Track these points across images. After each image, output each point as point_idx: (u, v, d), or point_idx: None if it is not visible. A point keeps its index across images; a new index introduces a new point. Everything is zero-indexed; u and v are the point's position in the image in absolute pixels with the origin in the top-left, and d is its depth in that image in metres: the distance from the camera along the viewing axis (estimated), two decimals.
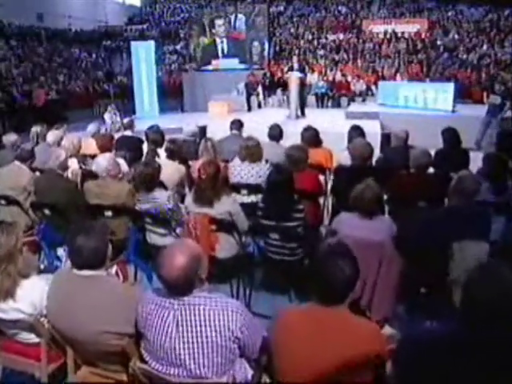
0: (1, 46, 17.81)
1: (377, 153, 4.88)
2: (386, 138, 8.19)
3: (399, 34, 20.70)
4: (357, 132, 4.48)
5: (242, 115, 12.03)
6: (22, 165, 3.88)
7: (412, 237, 2.66)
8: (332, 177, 4.57)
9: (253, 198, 3.86)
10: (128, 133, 5.57)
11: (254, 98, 13.16)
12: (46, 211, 3.40)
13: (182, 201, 4.40)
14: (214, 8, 17.38)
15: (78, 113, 15.55)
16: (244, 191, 3.82)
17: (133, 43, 13.41)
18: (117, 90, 17.62)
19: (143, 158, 4.66)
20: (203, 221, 2.96)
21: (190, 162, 4.94)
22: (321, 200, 4.09)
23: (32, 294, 1.94)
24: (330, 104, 13.35)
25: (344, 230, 2.67)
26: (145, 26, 25.78)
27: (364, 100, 13.56)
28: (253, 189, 3.80)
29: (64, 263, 2.86)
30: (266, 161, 4.01)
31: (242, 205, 3.44)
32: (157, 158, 4.27)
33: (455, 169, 4.28)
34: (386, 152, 4.41)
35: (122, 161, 4.40)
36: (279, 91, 13.80)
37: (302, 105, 10.07)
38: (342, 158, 4.54)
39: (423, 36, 20.70)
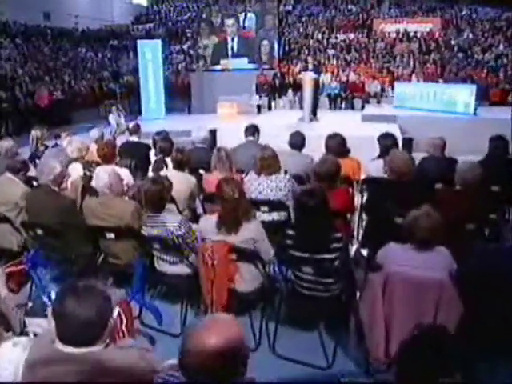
0: (6, 45, 17.48)
1: None
2: (407, 143, 7.71)
3: (411, 34, 20.18)
4: (389, 140, 4.01)
5: (252, 117, 11.64)
6: (13, 177, 3.45)
7: (476, 274, 2.18)
8: (360, 189, 4.14)
9: (275, 216, 3.41)
10: (134, 138, 5.12)
11: (264, 100, 12.72)
12: (39, 232, 2.97)
13: (195, 216, 3.99)
14: (223, 7, 16.90)
15: (83, 113, 15.21)
16: (264, 208, 3.36)
17: (139, 42, 13.00)
18: (123, 90, 17.30)
19: (150, 168, 4.21)
20: (222, 250, 2.51)
21: (202, 171, 4.50)
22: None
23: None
24: (343, 105, 12.84)
25: (392, 266, 2.21)
26: (151, 25, 25.41)
27: (379, 102, 13.04)
28: (274, 205, 3.35)
29: None
30: (285, 172, 3.56)
31: (263, 223, 3.00)
32: (165, 170, 3.81)
33: (501, 183, 3.81)
34: (421, 163, 3.92)
35: (125, 171, 3.96)
36: (290, 92, 13.34)
37: (315, 107, 9.59)
38: (371, 168, 4.08)
39: (436, 35, 20.14)
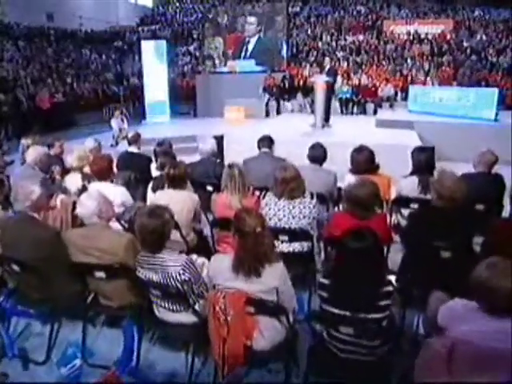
0: (8, 47, 17.11)
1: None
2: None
3: (422, 36, 19.66)
4: (426, 155, 3.49)
5: (260, 122, 11.15)
6: None
7: None
8: (390, 209, 3.62)
9: (296, 247, 2.90)
10: (133, 149, 4.61)
11: (272, 103, 12.21)
12: (15, 267, 2.47)
13: (201, 239, 3.49)
14: (231, 7, 16.42)
15: (86, 117, 14.78)
16: (284, 237, 2.85)
17: (143, 42, 12.51)
18: (127, 92, 16.86)
19: (150, 186, 3.71)
20: (238, 302, 2.00)
21: (210, 188, 4.00)
22: None
23: None
24: (355, 110, 12.30)
25: (460, 330, 1.69)
26: (157, 27, 25.02)
27: (391, 106, 12.49)
28: (296, 235, 2.84)
29: None
30: (311, 195, 3.01)
31: (282, 255, 2.50)
32: (166, 189, 3.30)
33: None
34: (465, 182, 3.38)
35: (122, 189, 3.47)
36: (300, 95, 12.82)
37: (328, 112, 9.08)
38: (404, 186, 3.56)
39: (448, 37, 19.62)
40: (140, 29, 24.97)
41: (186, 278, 2.18)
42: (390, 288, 1.96)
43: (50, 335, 2.67)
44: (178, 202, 3.14)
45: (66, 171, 3.87)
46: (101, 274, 2.37)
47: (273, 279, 2.07)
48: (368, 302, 1.92)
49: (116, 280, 2.40)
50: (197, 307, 2.27)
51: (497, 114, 9.31)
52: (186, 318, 2.30)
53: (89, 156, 4.05)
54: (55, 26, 20.80)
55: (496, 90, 9.60)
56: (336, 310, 1.95)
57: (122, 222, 3.24)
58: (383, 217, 2.91)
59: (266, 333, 2.10)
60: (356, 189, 2.62)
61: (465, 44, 18.62)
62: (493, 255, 2.62)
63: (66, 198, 3.45)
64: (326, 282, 2.03)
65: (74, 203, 3.22)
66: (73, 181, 3.58)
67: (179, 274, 2.17)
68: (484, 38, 19.06)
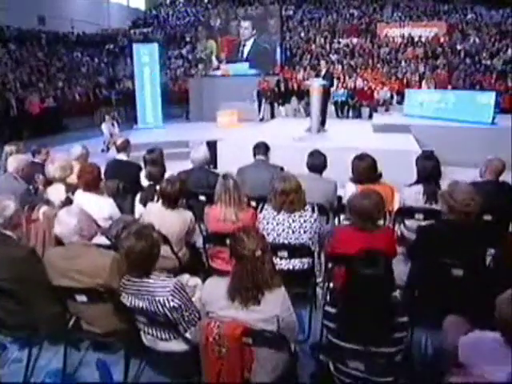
0: None
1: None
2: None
3: (416, 39, 19.64)
4: (432, 163, 3.30)
5: (254, 126, 10.96)
6: None
7: None
8: (393, 221, 3.43)
9: (296, 264, 2.70)
10: (122, 156, 4.38)
11: (266, 107, 12.02)
12: None
13: (194, 251, 3.28)
14: (224, 10, 16.23)
15: (77, 121, 14.49)
16: (283, 253, 2.64)
17: (135, 45, 12.26)
18: (119, 96, 16.60)
19: (137, 198, 3.49)
20: (235, 333, 1.79)
21: (202, 198, 3.80)
22: None
23: None
24: (350, 114, 12.15)
25: (485, 369, 1.50)
26: (149, 30, 24.81)
27: (387, 109, 12.36)
28: (297, 250, 2.64)
29: None
30: (313, 208, 2.81)
31: (281, 272, 2.29)
32: (155, 202, 3.08)
33: None
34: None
35: (109, 201, 3.25)
36: (294, 99, 12.65)
37: (323, 116, 8.91)
38: (408, 196, 3.38)
39: (442, 40, 19.60)
40: (132, 32, 24.74)
41: (176, 305, 1.96)
42: (405, 318, 1.76)
43: (27, 362, 2.44)
44: (172, 218, 2.93)
45: (48, 182, 3.61)
46: (82, 298, 2.15)
47: (273, 307, 1.85)
48: (381, 334, 1.72)
49: (99, 304, 2.18)
50: (188, 335, 2.05)
51: (494, 118, 9.20)
52: (177, 346, 2.08)
53: (72, 166, 3.78)
54: (46, 29, 20.49)
55: (493, 93, 9.49)
56: (343, 343, 1.75)
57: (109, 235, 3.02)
58: (390, 230, 2.72)
59: (266, 365, 1.88)
60: (361, 200, 2.42)
61: (458, 47, 18.63)
62: (506, 270, 2.46)
63: (49, 210, 3.21)
64: (332, 310, 1.82)
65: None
66: (55, 192, 3.33)
67: (168, 301, 1.95)
68: (477, 41, 19.09)
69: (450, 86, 14.07)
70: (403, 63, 16.62)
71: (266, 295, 1.85)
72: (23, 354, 2.59)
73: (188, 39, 22.28)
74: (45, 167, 3.58)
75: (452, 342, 1.73)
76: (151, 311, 1.97)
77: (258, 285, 1.83)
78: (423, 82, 13.68)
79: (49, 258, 2.28)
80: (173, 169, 4.38)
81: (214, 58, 14.95)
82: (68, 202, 3.31)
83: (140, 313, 2.03)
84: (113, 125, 9.67)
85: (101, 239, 3.06)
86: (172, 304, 1.95)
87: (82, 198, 3.21)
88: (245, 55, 14.38)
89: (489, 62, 16.89)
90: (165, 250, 2.71)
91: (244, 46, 14.38)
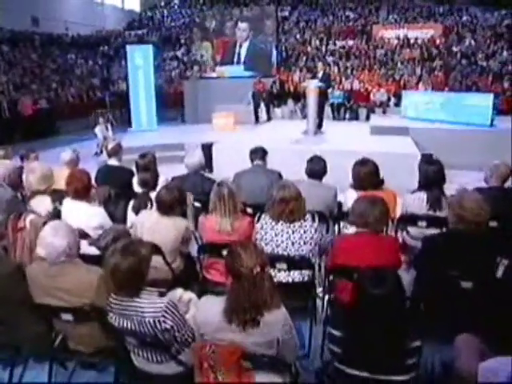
0: None
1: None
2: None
3: (412, 40, 19.62)
4: (435, 168, 3.17)
5: (250, 129, 10.83)
6: None
7: None
8: (396, 228, 3.31)
9: (295, 276, 2.56)
10: (113, 162, 4.22)
11: (262, 109, 11.88)
12: None
13: (189, 261, 3.14)
14: (219, 12, 16.10)
15: (70, 124, 14.28)
16: (281, 265, 2.51)
17: (129, 47, 12.08)
18: (113, 98, 16.41)
19: (130, 205, 3.34)
20: (231, 358, 1.64)
21: (197, 204, 3.65)
22: None
23: None
24: (347, 115, 12.03)
25: None
26: (144, 31, 24.64)
27: (384, 111, 12.26)
28: (296, 263, 2.50)
29: None
30: (313, 216, 2.68)
31: (279, 285, 2.16)
32: (149, 209, 2.94)
33: None
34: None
35: (99, 210, 3.10)
36: (290, 101, 12.53)
37: (320, 118, 8.80)
38: (410, 202, 3.25)
39: (438, 42, 19.59)
40: (127, 33, 24.56)
41: (168, 327, 1.81)
42: (419, 343, 1.62)
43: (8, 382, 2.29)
44: (166, 226, 2.78)
45: (32, 194, 3.27)
46: (68, 317, 2.01)
47: (273, 329, 1.71)
48: (391, 360, 1.58)
49: (86, 323, 2.03)
50: (182, 357, 1.91)
51: (492, 120, 9.14)
52: (169, 368, 1.94)
53: (52, 173, 3.47)
54: (40, 31, 20.28)
55: (491, 95, 9.43)
56: (350, 370, 1.61)
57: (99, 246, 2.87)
58: (394, 241, 2.58)
59: None
60: (365, 209, 2.28)
61: (454, 49, 18.63)
62: None
63: (37, 219, 3.06)
64: (337, 333, 1.67)
65: (45, 223, 2.84)
66: (41, 205, 3.12)
67: (159, 322, 1.79)
68: (473, 43, 19.10)
69: (446, 88, 14.02)
70: (399, 65, 16.56)
71: (266, 316, 1.70)
72: (5, 374, 2.44)
73: (183, 41, 22.14)
74: (25, 178, 3.31)
75: (466, 364, 1.60)
76: (140, 332, 1.83)
77: (256, 305, 1.68)
78: (420, 84, 13.62)
79: (31, 273, 2.13)
80: (168, 172, 4.24)
81: (209, 59, 14.81)
82: (56, 212, 3.13)
83: (129, 334, 1.88)
84: (106, 127, 9.50)
85: (90, 249, 2.91)
86: (164, 326, 1.79)
87: (71, 206, 3.05)
88: (242, 57, 14.24)
89: (485, 64, 16.89)
90: (157, 260, 2.57)
91: (240, 47, 14.24)
